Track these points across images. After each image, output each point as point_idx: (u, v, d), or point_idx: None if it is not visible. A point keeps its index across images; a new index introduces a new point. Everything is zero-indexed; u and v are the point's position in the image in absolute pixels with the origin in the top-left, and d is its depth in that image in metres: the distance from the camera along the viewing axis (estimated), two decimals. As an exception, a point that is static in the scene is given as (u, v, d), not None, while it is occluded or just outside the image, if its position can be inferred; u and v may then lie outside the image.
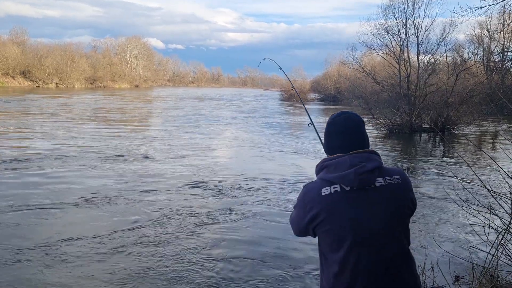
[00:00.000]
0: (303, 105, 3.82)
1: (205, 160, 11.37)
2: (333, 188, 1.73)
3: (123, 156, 11.17)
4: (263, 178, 9.19)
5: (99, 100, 37.65)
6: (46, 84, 60.57)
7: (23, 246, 5.06)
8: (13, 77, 58.83)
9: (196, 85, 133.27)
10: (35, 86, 58.64)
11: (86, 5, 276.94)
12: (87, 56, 74.79)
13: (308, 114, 3.50)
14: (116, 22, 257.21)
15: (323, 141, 1.95)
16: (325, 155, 1.93)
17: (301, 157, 12.38)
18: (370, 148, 1.88)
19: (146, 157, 11.23)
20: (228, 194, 7.90)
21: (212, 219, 6.41)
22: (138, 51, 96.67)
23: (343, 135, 1.84)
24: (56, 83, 62.22)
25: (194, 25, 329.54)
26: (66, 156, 10.75)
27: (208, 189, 8.16)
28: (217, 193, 7.92)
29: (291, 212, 1.97)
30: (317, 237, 1.84)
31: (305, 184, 1.86)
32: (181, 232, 5.81)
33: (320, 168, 1.84)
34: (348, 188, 1.71)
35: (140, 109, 30.86)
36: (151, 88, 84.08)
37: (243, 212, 6.82)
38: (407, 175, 1.88)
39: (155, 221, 6.20)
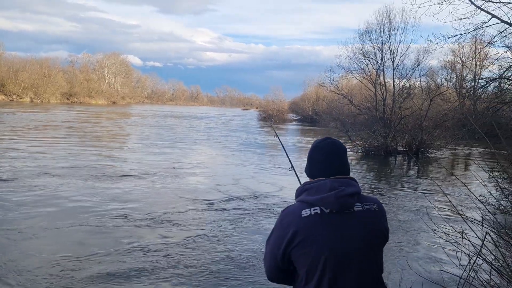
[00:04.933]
0: (285, 151, 3.72)
1: (202, 177, 11.71)
2: (313, 210, 1.74)
3: (126, 174, 11.22)
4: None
5: (75, 116, 37.03)
6: (20, 98, 59.30)
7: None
8: (-15, 91, 57.47)
9: (174, 103, 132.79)
10: (8, 100, 57.32)
11: (63, 20, 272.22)
12: (64, 71, 73.62)
13: (288, 158, 3.41)
14: (94, 38, 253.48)
15: (305, 165, 1.95)
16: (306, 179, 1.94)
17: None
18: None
19: (132, 176, 11.09)
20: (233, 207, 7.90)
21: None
22: (117, 67, 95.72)
23: (326, 160, 1.86)
24: (31, 98, 60.99)
25: (172, 44, 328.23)
26: (52, 174, 10.47)
27: (213, 204, 8.17)
28: (216, 207, 7.91)
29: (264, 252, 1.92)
30: (292, 267, 1.81)
31: (283, 209, 1.86)
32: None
33: (300, 191, 1.85)
34: (327, 211, 1.73)
35: (117, 127, 30.48)
36: (129, 105, 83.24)
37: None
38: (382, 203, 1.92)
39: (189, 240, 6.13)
